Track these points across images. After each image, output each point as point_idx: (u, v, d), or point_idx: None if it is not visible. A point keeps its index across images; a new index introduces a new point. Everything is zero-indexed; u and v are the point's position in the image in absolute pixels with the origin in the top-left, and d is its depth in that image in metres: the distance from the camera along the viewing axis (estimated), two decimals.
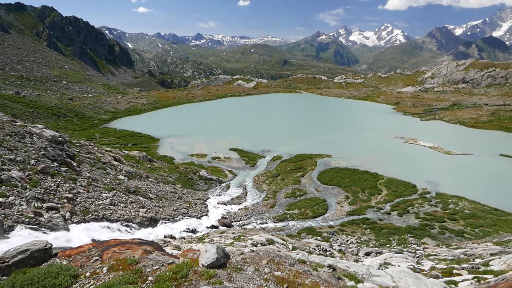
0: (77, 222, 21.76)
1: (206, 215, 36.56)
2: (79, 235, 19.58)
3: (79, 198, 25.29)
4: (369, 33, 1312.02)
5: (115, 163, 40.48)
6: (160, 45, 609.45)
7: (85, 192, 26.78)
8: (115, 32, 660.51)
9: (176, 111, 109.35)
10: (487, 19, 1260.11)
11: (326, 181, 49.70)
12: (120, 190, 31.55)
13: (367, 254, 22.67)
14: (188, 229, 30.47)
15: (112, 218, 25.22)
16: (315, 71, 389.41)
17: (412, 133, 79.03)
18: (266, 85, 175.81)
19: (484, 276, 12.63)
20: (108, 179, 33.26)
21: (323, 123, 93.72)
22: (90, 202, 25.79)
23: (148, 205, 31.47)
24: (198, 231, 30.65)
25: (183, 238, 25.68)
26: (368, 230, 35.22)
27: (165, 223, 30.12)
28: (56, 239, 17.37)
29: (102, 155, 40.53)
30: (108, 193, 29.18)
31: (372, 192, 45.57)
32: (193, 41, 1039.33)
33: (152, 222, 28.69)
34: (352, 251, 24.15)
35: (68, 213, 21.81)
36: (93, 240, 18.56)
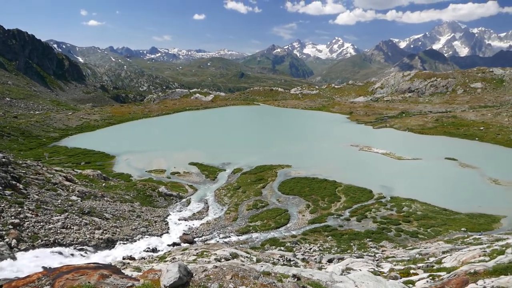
0: (25, 250, 20.16)
1: (167, 232, 35.45)
2: (28, 263, 18.14)
3: (26, 223, 23.50)
4: (322, 46, 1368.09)
5: (67, 183, 38.21)
6: (113, 59, 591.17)
7: (33, 216, 24.95)
8: (64, 46, 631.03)
9: (132, 126, 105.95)
10: (427, 33, 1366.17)
11: (287, 191, 50.27)
12: (73, 211, 29.76)
13: (330, 261, 23.07)
14: (149, 248, 29.33)
15: (64, 243, 23.66)
16: (272, 83, 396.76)
17: (366, 141, 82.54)
18: (224, 98, 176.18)
19: (438, 273, 13.30)
20: (60, 201, 31.26)
21: (282, 134, 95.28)
22: (40, 226, 24.05)
23: (104, 226, 29.92)
24: (159, 250, 29.59)
25: (143, 258, 24.64)
26: (329, 237, 35.95)
27: (124, 243, 28.78)
28: (1, 269, 15.96)
29: (52, 176, 38.10)
30: (60, 215, 27.40)
31: (332, 200, 46.74)
32: (148, 54, 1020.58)
33: (109, 243, 27.29)
34: (315, 259, 24.47)
35: (14, 240, 20.17)
36: (44, 268, 17.26)
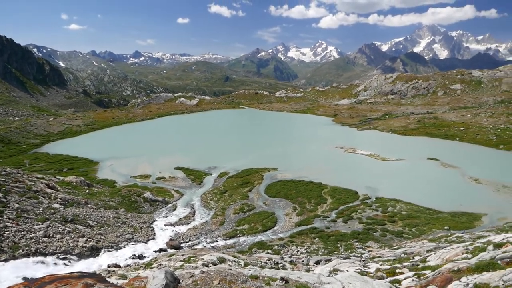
0: (5, 260, 19.57)
1: (153, 238, 35.01)
2: (8, 274, 17.62)
3: (6, 232, 22.83)
4: (306, 50, 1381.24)
5: (49, 190, 37.31)
6: (96, 64, 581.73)
7: (13, 225, 24.26)
8: (44, 50, 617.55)
9: (115, 131, 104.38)
10: (408, 36, 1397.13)
11: (274, 194, 50.37)
12: (56, 220, 29.06)
13: (317, 263, 23.18)
14: (134, 255, 28.90)
15: (47, 252, 23.07)
16: (257, 87, 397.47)
17: (350, 142, 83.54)
18: (209, 101, 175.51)
19: (423, 272, 13.52)
20: (41, 209, 30.50)
21: (268, 137, 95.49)
22: (20, 236, 23.39)
23: (88, 234, 29.32)
24: (145, 257, 29.19)
25: (129, 265, 24.24)
26: (316, 239, 36.14)
27: (109, 251, 28.27)
28: None
29: (33, 183, 37.15)
30: (42, 224, 26.73)
31: (318, 202, 47.04)
32: (131, 59, 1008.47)
33: (94, 251, 26.76)
34: (303, 261, 24.54)
35: None
36: (25, 278, 16.78)
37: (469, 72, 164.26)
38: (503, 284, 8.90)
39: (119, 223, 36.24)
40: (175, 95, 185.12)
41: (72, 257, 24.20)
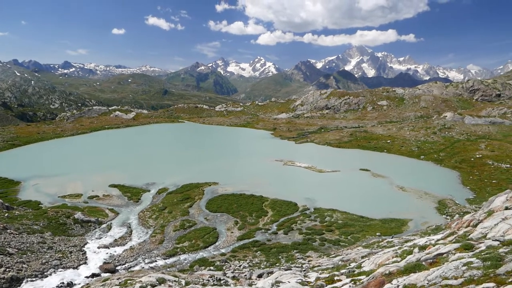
0: None
1: (85, 263, 32.40)
2: None
3: None
4: (245, 65, 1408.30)
5: None
6: (18, 74, 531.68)
7: None
8: None
9: (41, 148, 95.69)
10: (340, 55, 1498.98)
11: (215, 209, 49.76)
12: None
13: (260, 276, 23.20)
14: (63, 283, 26.49)
15: None
16: (197, 101, 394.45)
17: (289, 155, 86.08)
18: (146, 115, 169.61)
19: (359, 277, 14.20)
20: None
21: (208, 151, 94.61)
22: None
23: (7, 263, 26.25)
24: (75, 284, 26.88)
25: None
26: (258, 252, 36.25)
27: (32, 280, 25.56)
28: None
29: None
30: None
31: (259, 215, 47.42)
32: (60, 69, 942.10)
33: (14, 282, 24.00)
34: (246, 275, 24.40)
35: None
36: None
37: (393, 89, 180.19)
38: (428, 283, 9.70)
39: (45, 248, 33.00)
40: (110, 108, 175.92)
41: None
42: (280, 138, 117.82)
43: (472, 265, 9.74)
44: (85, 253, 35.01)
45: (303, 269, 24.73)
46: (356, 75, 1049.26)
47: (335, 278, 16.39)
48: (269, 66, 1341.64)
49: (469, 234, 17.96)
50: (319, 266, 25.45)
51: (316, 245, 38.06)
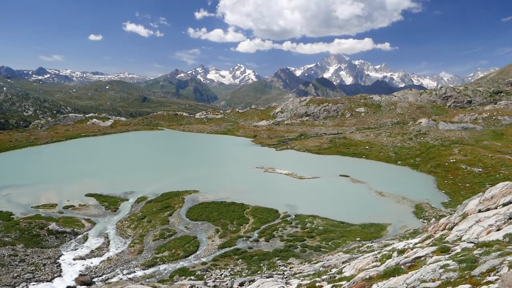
0: None
1: (60, 275, 31.26)
2: None
3: None
4: (225, 72, 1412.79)
5: None
6: None
7: None
8: None
9: (13, 156, 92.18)
10: (318, 63, 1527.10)
11: (195, 217, 49.14)
12: None
13: (241, 285, 22.99)
14: None
15: None
16: (176, 108, 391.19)
17: (270, 162, 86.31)
18: (125, 123, 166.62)
19: (340, 283, 14.29)
20: None
21: (188, 159, 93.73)
22: None
23: None
24: None
25: None
26: (240, 260, 35.95)
27: None
28: None
29: None
30: None
31: (240, 222, 47.14)
32: (34, 75, 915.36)
33: None
34: (227, 284, 24.14)
35: None
36: None
37: (371, 96, 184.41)
38: (407, 287, 9.85)
39: (17, 261, 31.65)
40: (87, 115, 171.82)
41: None
42: (261, 145, 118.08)
43: (448, 268, 9.97)
44: (59, 265, 33.78)
45: (285, 276, 24.70)
46: (334, 83, 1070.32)
47: (317, 284, 16.44)
48: (249, 74, 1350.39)
49: (445, 237, 18.44)
50: (300, 272, 25.47)
51: (297, 251, 38.11)
